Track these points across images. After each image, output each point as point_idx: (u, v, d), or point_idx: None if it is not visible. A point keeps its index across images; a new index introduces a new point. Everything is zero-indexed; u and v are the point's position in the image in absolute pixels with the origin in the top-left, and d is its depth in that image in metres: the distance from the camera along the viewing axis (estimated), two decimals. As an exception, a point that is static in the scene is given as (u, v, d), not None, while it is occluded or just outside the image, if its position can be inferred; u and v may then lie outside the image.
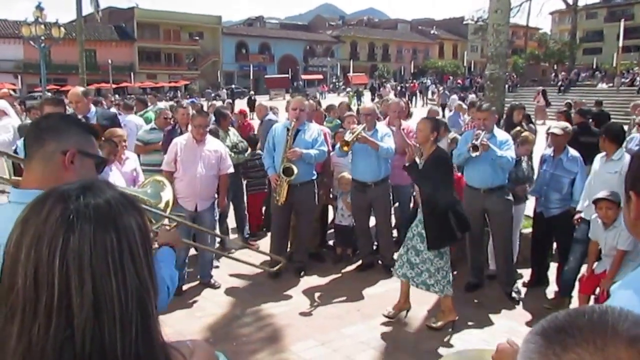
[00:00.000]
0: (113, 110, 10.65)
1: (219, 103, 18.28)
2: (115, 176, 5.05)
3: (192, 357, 1.02)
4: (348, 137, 6.11)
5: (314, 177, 6.38)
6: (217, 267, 6.37)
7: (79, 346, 0.86)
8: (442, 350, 4.60)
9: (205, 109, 11.06)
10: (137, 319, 0.91)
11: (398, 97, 28.34)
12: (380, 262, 6.69)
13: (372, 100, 34.38)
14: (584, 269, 5.25)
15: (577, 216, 5.42)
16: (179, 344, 1.04)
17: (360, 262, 6.73)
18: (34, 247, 0.88)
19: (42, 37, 20.37)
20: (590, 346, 0.66)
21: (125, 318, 0.89)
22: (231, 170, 6.19)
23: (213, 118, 7.68)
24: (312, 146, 6.17)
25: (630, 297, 1.21)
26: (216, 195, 6.13)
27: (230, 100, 31.00)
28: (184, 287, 5.89)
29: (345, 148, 6.14)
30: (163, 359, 0.96)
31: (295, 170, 5.98)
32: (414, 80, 51.33)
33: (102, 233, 0.90)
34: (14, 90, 25.68)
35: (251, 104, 29.06)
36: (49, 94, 22.86)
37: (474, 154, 5.55)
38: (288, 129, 6.18)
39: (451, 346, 4.71)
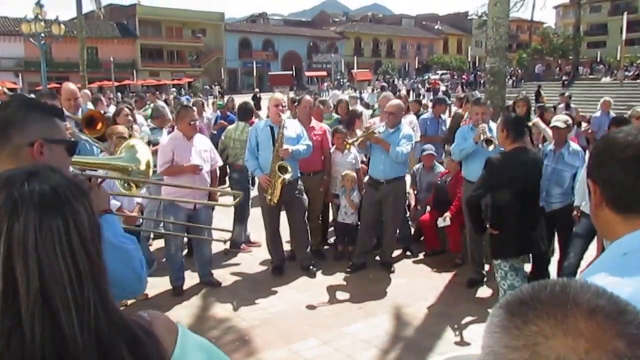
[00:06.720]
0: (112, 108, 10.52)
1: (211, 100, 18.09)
2: None
3: (151, 327, 1.01)
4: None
5: (298, 175, 6.28)
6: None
7: (29, 334, 0.84)
8: (443, 348, 4.56)
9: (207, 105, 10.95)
10: (95, 299, 0.90)
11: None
12: (378, 258, 6.64)
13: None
14: (584, 263, 5.20)
15: (576, 212, 5.38)
16: (137, 316, 1.03)
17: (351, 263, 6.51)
18: None
19: (42, 35, 20.31)
20: (550, 318, 0.67)
21: (81, 301, 0.88)
22: (220, 163, 6.26)
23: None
24: (297, 142, 6.10)
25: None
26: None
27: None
28: (184, 287, 5.87)
29: (348, 146, 6.31)
30: (126, 334, 0.94)
31: (290, 168, 5.88)
32: (435, 76, 50.96)
33: (48, 219, 0.88)
34: (13, 89, 25.66)
35: (256, 101, 29.09)
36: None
37: (490, 148, 5.48)
38: (271, 127, 6.11)
39: (453, 344, 4.67)
